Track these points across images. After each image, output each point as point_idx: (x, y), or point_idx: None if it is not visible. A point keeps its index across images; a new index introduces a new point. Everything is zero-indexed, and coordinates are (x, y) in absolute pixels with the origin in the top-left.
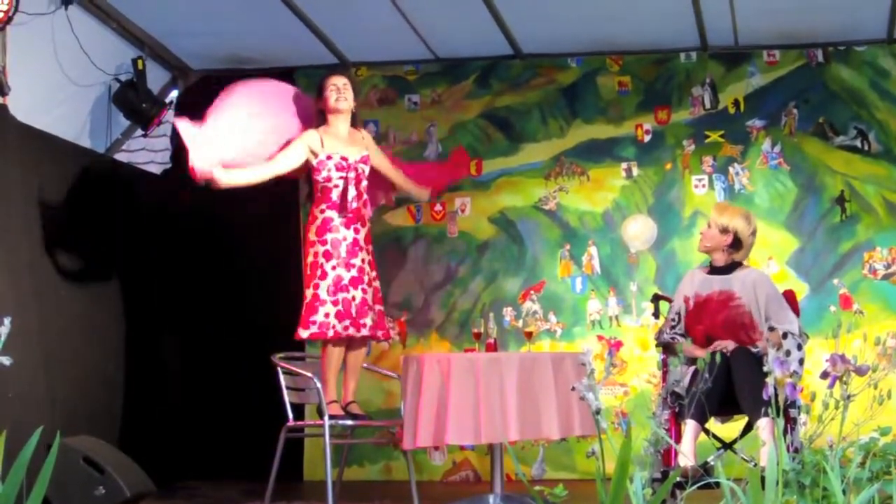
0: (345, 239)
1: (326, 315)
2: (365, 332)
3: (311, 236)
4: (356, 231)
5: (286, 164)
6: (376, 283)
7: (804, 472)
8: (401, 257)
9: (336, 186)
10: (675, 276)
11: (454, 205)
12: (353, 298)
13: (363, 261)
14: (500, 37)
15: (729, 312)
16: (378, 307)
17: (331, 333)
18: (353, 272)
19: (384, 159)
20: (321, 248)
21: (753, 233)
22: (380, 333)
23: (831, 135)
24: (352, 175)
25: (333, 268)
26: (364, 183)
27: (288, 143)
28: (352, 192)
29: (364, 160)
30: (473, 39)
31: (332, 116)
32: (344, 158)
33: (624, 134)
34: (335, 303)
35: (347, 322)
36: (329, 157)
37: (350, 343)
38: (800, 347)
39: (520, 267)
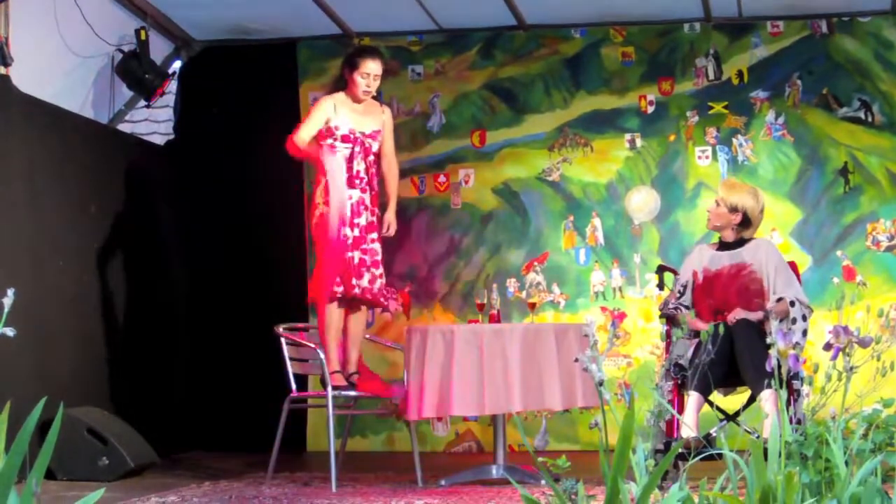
0: (350, 198)
1: (329, 276)
2: (356, 292)
3: (317, 198)
4: (363, 191)
5: (309, 135)
6: (374, 245)
7: (807, 443)
8: (404, 228)
9: (339, 153)
10: (679, 248)
11: (458, 176)
12: (352, 259)
13: (367, 220)
14: (504, 7)
15: (742, 280)
16: (374, 270)
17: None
18: (356, 231)
19: (388, 146)
20: (325, 209)
21: (762, 210)
22: (368, 297)
23: (835, 106)
24: (357, 149)
25: (337, 228)
26: (371, 157)
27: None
28: (359, 165)
29: (374, 135)
30: (477, 10)
31: (354, 95)
32: (352, 131)
33: (627, 105)
34: (338, 263)
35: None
36: (337, 128)
37: (348, 307)
38: (804, 318)
39: (523, 238)
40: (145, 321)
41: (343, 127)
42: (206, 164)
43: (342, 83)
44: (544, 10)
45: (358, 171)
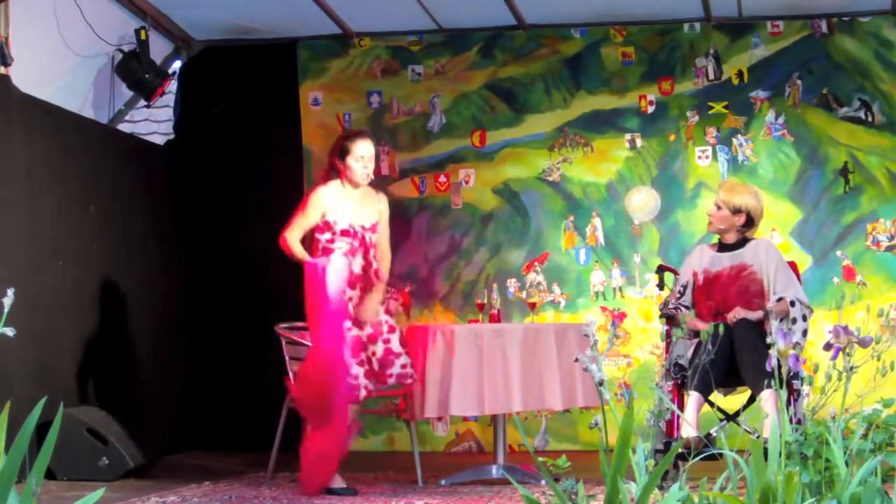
0: (350, 300)
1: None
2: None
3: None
4: (362, 290)
5: (302, 231)
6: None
7: (807, 443)
8: (405, 229)
9: (339, 248)
10: (679, 248)
11: (458, 176)
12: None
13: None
14: (504, 7)
15: (742, 281)
16: (397, 360)
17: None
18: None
19: (383, 237)
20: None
21: (762, 210)
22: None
23: (835, 106)
24: (356, 244)
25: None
26: (372, 252)
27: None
28: (357, 263)
29: (373, 228)
30: (477, 10)
31: (352, 181)
32: (351, 225)
33: (628, 105)
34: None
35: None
36: (335, 222)
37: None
38: (805, 318)
39: (524, 238)
40: (145, 321)
41: (342, 221)
42: (206, 164)
43: (334, 174)
44: (544, 10)
45: (353, 271)
